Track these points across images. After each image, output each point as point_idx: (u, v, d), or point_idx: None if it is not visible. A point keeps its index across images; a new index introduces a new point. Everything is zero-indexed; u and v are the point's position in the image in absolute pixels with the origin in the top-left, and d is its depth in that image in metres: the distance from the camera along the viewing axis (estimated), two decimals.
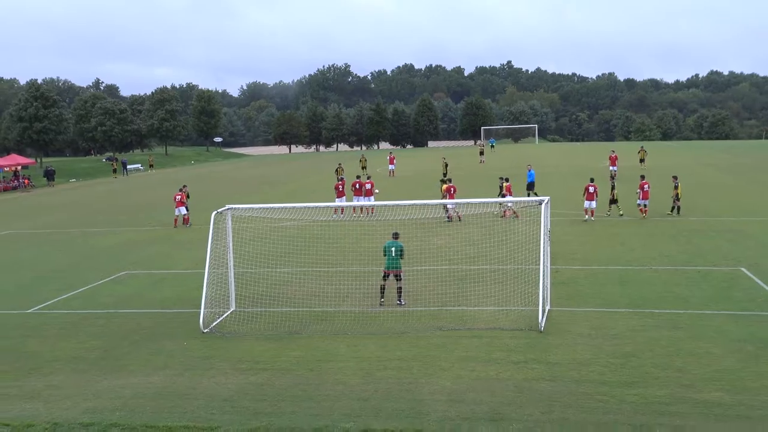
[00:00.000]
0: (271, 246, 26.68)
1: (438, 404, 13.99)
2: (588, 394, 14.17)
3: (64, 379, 16.53)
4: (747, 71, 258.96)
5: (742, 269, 24.18)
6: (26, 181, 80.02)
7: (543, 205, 20.09)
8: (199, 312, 19.79)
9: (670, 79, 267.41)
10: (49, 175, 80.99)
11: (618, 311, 19.87)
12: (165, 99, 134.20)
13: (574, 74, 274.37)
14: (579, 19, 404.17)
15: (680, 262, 25.85)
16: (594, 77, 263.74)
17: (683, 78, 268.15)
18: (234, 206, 21.80)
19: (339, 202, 38.34)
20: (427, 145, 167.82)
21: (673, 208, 36.39)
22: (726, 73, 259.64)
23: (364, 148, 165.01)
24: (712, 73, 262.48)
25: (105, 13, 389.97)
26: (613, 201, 37.07)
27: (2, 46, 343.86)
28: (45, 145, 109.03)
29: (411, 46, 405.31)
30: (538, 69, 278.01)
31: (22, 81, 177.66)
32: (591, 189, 35.73)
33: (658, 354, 16.30)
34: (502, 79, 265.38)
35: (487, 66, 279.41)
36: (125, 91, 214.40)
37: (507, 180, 39.82)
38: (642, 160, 65.97)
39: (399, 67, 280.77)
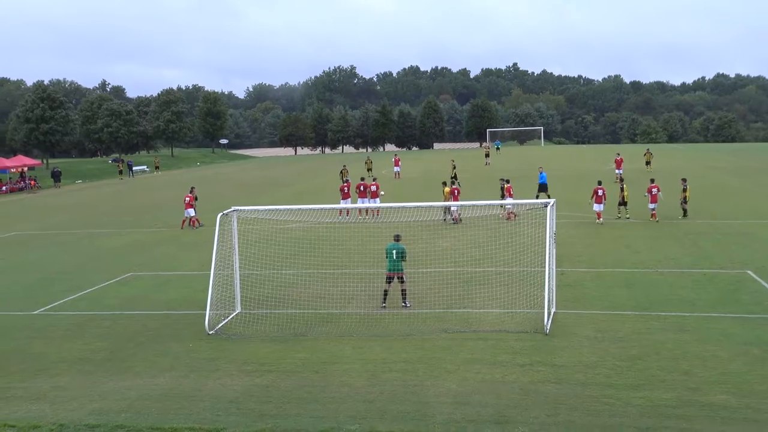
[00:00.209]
0: (277, 248, 26.70)
1: (443, 406, 13.98)
2: (594, 396, 14.15)
3: (70, 381, 16.56)
4: (754, 74, 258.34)
5: (749, 272, 24.11)
6: (32, 182, 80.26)
7: (549, 207, 20.06)
8: (205, 314, 19.80)
9: (676, 82, 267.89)
10: (56, 176, 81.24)
11: (624, 314, 19.83)
12: (171, 100, 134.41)
13: (580, 76, 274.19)
14: (581, 20, 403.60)
15: (686, 265, 25.80)
16: (600, 79, 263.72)
17: (689, 80, 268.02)
18: (239, 208, 21.83)
19: (344, 204, 38.37)
20: (432, 147, 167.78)
21: (685, 211, 36.15)
22: (732, 75, 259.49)
23: (369, 150, 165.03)
24: (718, 75, 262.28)
25: (112, 15, 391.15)
26: (623, 203, 36.91)
27: (9, 47, 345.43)
28: (51, 147, 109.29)
29: (417, 48, 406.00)
30: (544, 71, 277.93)
31: (29, 82, 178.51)
32: (600, 192, 35.61)
33: (665, 357, 16.26)
34: (508, 82, 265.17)
35: (493, 68, 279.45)
36: (131, 93, 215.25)
37: (508, 181, 39.79)
38: (648, 163, 65.84)
39: (405, 69, 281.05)
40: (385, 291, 21.48)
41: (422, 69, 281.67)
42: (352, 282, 23.42)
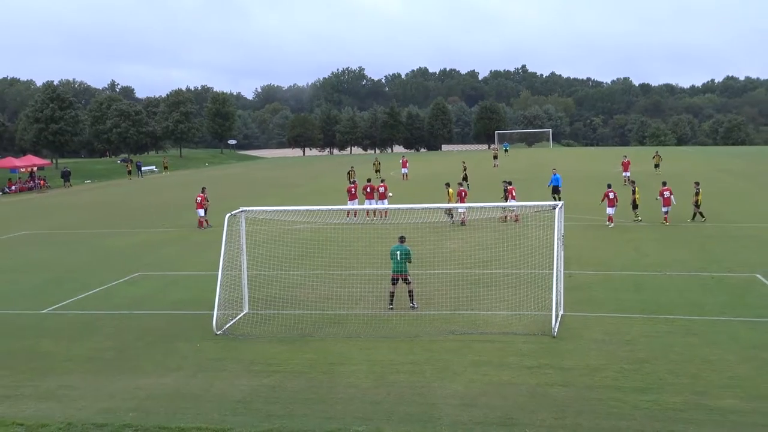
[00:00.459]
0: (285, 248, 26.75)
1: (450, 408, 13.97)
2: (601, 399, 14.12)
3: (78, 380, 16.62)
4: (763, 76, 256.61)
5: (758, 276, 24.00)
6: (42, 181, 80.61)
7: (557, 209, 20.04)
8: (213, 314, 19.85)
9: (685, 84, 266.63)
10: (66, 176, 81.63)
11: (632, 317, 19.78)
12: (180, 101, 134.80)
13: (588, 79, 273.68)
14: (590, 22, 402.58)
15: (695, 268, 25.72)
16: (609, 82, 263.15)
17: (699, 83, 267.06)
18: (248, 208, 21.88)
19: (351, 205, 38.39)
20: (440, 148, 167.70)
21: (694, 214, 35.95)
22: (742, 78, 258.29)
23: (377, 151, 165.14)
24: (728, 78, 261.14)
25: (122, 16, 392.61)
26: (635, 206, 36.70)
27: (19, 47, 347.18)
28: (61, 146, 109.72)
29: (425, 49, 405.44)
30: (553, 73, 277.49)
31: (39, 82, 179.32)
32: (611, 195, 35.45)
33: (673, 360, 16.21)
34: (517, 83, 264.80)
35: (502, 70, 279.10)
36: (140, 93, 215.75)
37: (510, 183, 39.74)
38: (657, 166, 65.67)
39: (413, 70, 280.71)
40: (392, 293, 21.47)
41: (431, 71, 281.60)
42: (359, 283, 23.42)
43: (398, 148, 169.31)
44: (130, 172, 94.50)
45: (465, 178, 55.46)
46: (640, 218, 36.44)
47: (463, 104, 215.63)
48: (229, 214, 20.99)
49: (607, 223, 35.47)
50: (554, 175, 44.44)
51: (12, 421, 14.02)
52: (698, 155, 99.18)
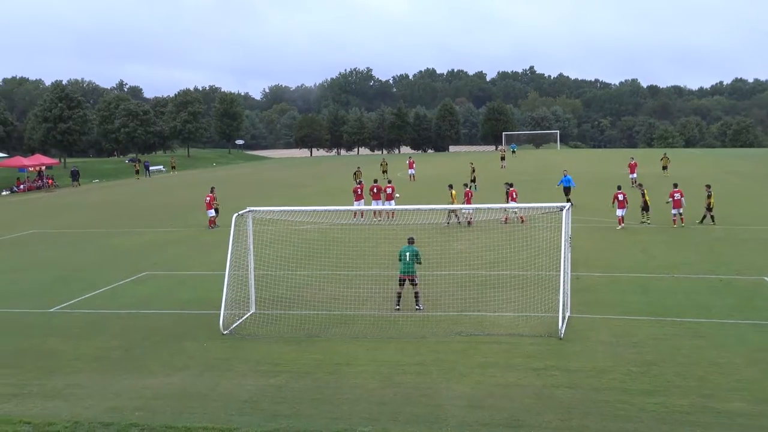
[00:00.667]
0: (292, 249, 26.78)
1: (457, 410, 13.95)
2: (608, 402, 14.08)
3: (85, 378, 16.66)
4: None
5: (766, 278, 23.91)
6: (50, 181, 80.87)
7: (564, 211, 19.99)
8: (219, 313, 19.87)
9: (693, 86, 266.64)
10: (74, 175, 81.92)
11: (639, 319, 19.72)
12: (188, 101, 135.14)
13: (596, 80, 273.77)
14: (598, 23, 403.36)
15: (702, 271, 25.63)
16: (617, 83, 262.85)
17: (707, 85, 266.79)
18: (255, 209, 21.89)
19: (358, 206, 38.39)
20: (448, 149, 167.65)
21: (704, 217, 35.77)
22: (751, 80, 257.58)
23: (385, 152, 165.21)
24: (736, 80, 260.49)
25: (130, 16, 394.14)
26: (645, 208, 36.49)
27: (29, 47, 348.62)
28: (69, 146, 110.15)
29: (433, 51, 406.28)
30: (561, 75, 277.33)
31: (48, 82, 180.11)
32: (621, 197, 35.27)
33: (680, 363, 16.15)
34: (524, 85, 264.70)
35: (510, 71, 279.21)
36: (148, 93, 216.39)
37: (512, 185, 39.71)
38: (665, 168, 65.42)
39: (421, 71, 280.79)
40: (399, 294, 21.47)
41: (438, 72, 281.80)
42: (366, 284, 23.41)
43: (405, 149, 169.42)
44: (137, 172, 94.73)
45: (473, 180, 55.47)
46: (649, 221, 36.21)
47: (470, 105, 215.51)
48: (237, 214, 21.02)
49: (619, 225, 35.15)
50: (565, 176, 44.35)
51: (19, 420, 14.06)
52: (706, 157, 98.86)
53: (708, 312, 20.26)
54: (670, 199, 35.42)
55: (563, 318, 18.84)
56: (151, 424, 13.70)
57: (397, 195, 41.33)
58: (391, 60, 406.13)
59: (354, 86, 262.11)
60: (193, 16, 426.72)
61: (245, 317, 21.02)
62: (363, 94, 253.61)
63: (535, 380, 15.39)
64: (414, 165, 71.89)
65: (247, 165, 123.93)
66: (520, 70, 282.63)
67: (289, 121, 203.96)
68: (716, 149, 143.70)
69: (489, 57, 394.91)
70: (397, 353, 17.52)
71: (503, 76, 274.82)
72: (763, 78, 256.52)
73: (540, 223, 26.94)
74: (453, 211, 35.15)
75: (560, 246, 19.58)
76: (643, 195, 36.63)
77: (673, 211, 35.33)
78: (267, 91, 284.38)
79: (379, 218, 38.27)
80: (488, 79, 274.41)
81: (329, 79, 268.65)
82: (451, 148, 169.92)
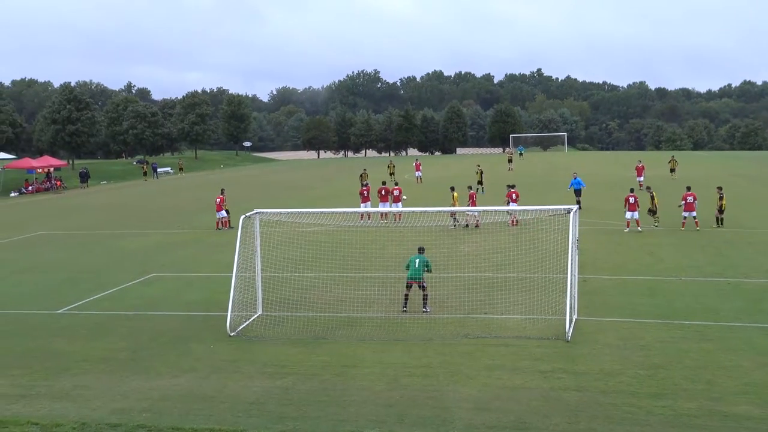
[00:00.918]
0: (298, 250, 26.79)
1: (463, 412, 13.94)
2: (615, 405, 14.05)
3: (92, 380, 16.70)
4: None
5: None
6: (58, 182, 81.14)
7: (571, 213, 19.97)
8: (227, 315, 19.90)
9: (702, 89, 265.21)
10: (83, 176, 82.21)
11: (646, 322, 19.67)
12: (195, 103, 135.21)
13: (604, 83, 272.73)
14: (606, 26, 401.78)
15: (710, 274, 25.55)
16: (625, 86, 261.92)
17: (715, 87, 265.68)
18: (262, 210, 21.93)
19: (364, 208, 38.42)
20: (455, 152, 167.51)
21: (718, 219, 35.57)
22: (759, 83, 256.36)
23: (392, 154, 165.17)
24: (745, 82, 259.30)
25: (139, 18, 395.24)
26: (654, 211, 36.31)
27: (37, 49, 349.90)
28: (77, 147, 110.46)
29: (440, 53, 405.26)
30: (568, 77, 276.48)
31: (56, 84, 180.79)
32: (632, 200, 35.11)
33: (687, 366, 16.11)
34: (532, 87, 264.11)
35: (517, 73, 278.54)
36: (157, 95, 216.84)
37: (513, 187, 39.65)
38: (673, 170, 65.25)
39: (428, 73, 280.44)
40: (406, 296, 21.49)
41: (446, 74, 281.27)
42: (372, 286, 23.41)
43: (413, 151, 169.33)
44: (145, 174, 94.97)
45: (480, 182, 55.47)
46: (657, 224, 36.04)
47: (478, 108, 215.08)
48: (244, 216, 21.08)
49: (637, 227, 34.84)
50: (575, 178, 44.29)
51: (27, 420, 14.11)
52: (714, 160, 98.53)
53: (716, 315, 20.20)
54: (683, 202, 35.16)
55: (570, 321, 18.80)
56: (158, 425, 13.73)
57: (405, 197, 41.33)
58: (399, 62, 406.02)
59: (361, 88, 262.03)
60: (202, 18, 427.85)
61: (252, 319, 21.05)
62: (370, 96, 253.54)
63: (542, 383, 15.37)
64: (421, 167, 71.86)
65: (255, 167, 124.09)
66: (527, 73, 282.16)
67: (296, 123, 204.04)
68: (724, 152, 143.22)
69: (496, 59, 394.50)
70: (404, 355, 17.52)
71: (511, 78, 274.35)
72: None
73: (547, 225, 26.91)
74: (453, 213, 35.18)
75: (567, 248, 19.54)
76: (653, 198, 36.45)
77: (684, 214, 35.09)
78: (274, 93, 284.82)
79: (386, 220, 38.28)
80: (496, 81, 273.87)
81: (337, 81, 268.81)
82: (459, 151, 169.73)
